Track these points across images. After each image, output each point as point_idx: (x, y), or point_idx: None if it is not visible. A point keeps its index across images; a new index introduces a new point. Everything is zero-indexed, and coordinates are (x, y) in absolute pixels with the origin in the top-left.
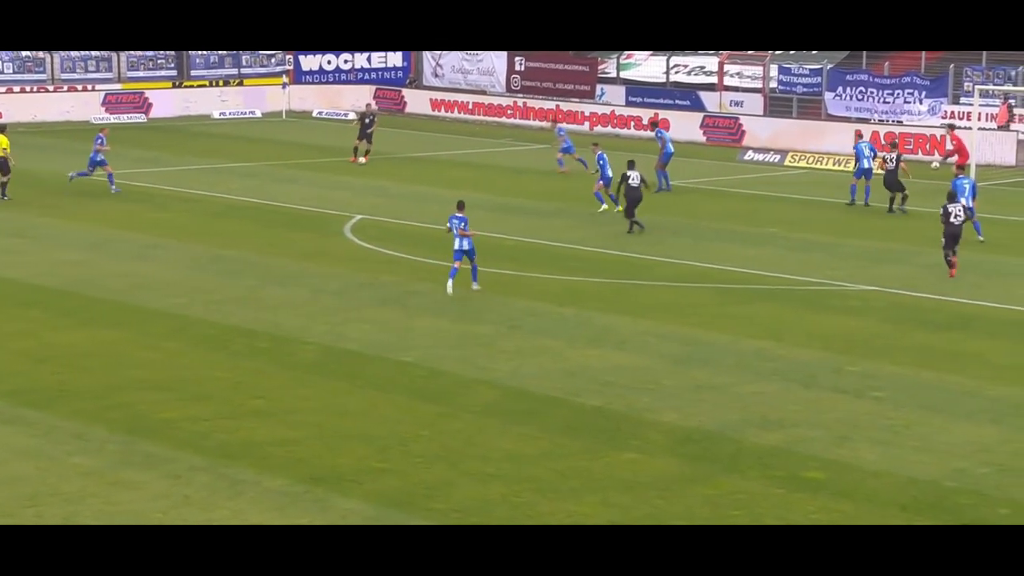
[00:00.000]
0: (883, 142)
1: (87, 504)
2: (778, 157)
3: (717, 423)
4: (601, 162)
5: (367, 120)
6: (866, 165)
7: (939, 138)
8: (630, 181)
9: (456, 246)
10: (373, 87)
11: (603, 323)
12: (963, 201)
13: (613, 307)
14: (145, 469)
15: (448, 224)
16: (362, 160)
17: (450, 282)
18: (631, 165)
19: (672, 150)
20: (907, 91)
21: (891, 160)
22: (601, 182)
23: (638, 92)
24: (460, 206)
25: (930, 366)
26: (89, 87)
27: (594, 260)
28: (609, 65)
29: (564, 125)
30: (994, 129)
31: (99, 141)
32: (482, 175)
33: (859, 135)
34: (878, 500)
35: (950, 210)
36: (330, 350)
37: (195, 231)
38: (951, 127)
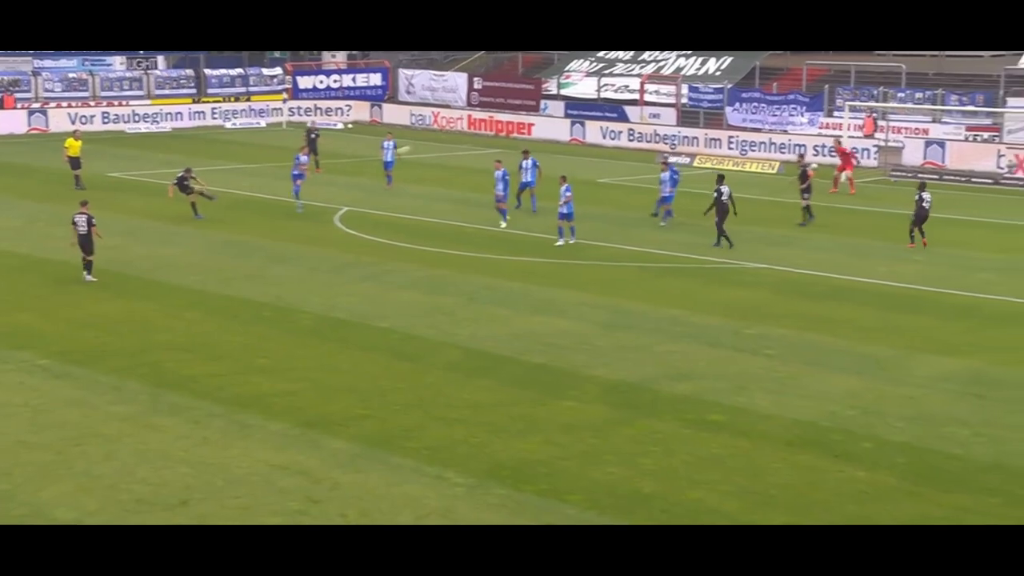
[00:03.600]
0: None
1: (124, 443)
2: (688, 159)
3: (639, 376)
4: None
5: (312, 136)
6: (665, 192)
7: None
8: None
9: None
10: (355, 102)
11: (545, 295)
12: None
13: (554, 282)
14: (171, 415)
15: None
16: (316, 171)
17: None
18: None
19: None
20: (791, 106)
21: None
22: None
23: (575, 106)
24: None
25: (811, 329)
26: (124, 103)
27: (537, 244)
28: (551, 84)
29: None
30: (861, 137)
31: (391, 146)
32: (449, 175)
33: (664, 164)
34: (769, 437)
35: (923, 196)
36: (323, 318)
37: (210, 220)
38: (837, 139)
